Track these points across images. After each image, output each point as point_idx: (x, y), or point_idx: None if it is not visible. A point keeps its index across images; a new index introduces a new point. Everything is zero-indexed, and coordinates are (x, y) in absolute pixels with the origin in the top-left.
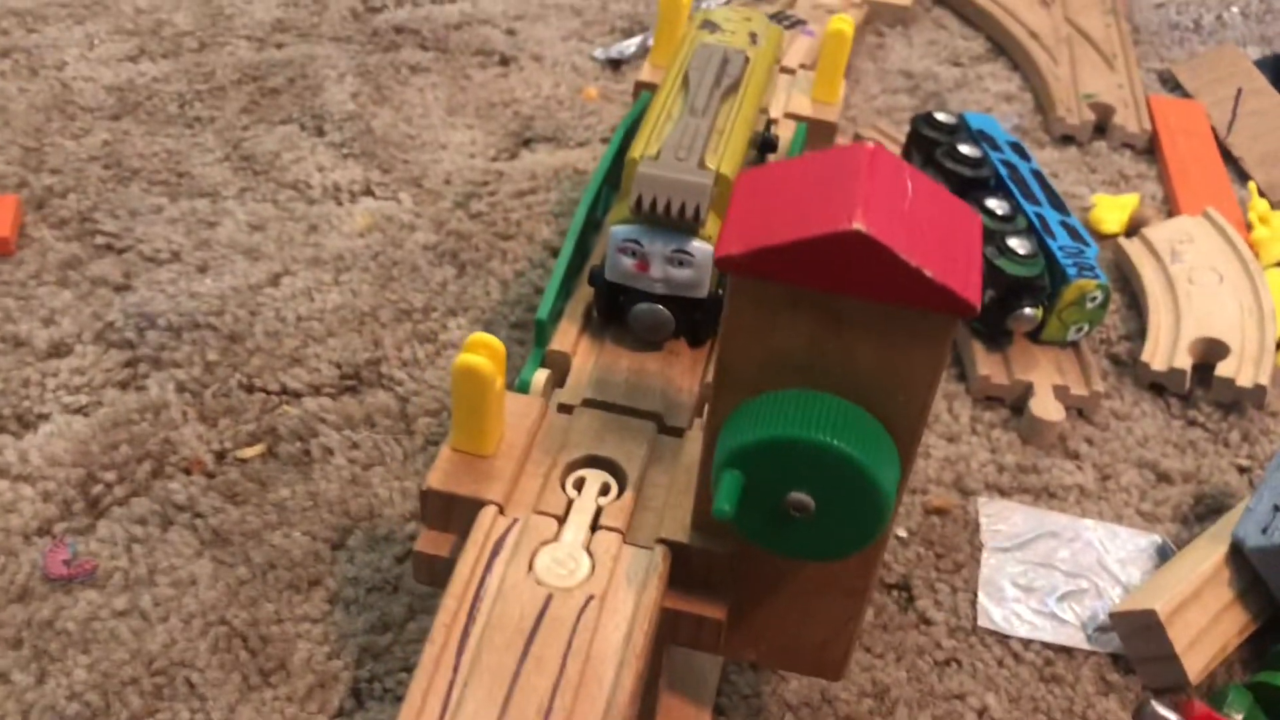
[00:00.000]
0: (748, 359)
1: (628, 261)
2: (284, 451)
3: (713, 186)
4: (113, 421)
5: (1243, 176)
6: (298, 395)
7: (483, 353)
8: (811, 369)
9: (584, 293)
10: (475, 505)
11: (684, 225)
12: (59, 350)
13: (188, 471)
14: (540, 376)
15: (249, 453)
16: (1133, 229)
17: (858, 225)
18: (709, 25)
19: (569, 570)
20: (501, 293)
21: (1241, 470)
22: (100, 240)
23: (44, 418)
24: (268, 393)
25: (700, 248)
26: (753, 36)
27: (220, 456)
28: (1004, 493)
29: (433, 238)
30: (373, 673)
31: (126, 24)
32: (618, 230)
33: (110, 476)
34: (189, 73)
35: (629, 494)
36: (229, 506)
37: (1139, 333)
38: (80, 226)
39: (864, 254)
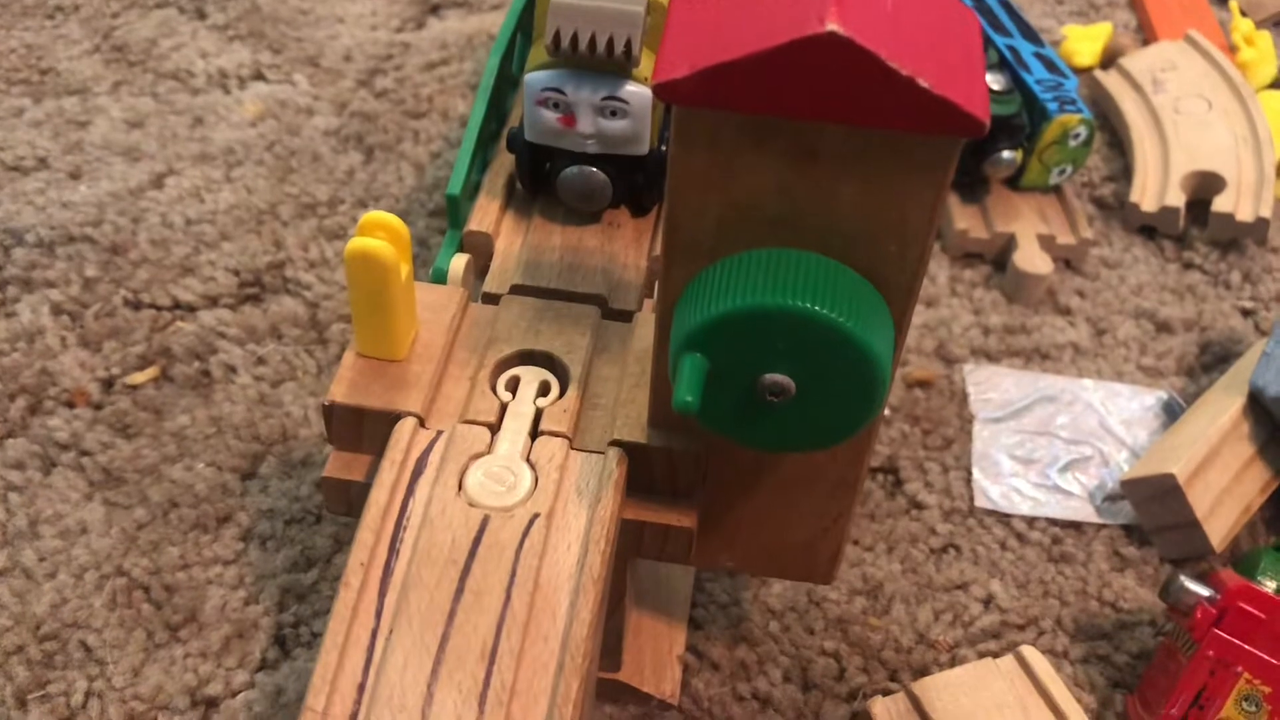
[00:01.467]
0: (702, 216)
1: (550, 115)
2: (180, 374)
3: (645, 15)
4: None
5: None
6: (192, 309)
7: (380, 234)
8: (782, 222)
9: (504, 163)
10: (390, 419)
11: (613, 65)
12: None
13: (70, 405)
14: (459, 262)
15: (140, 378)
16: (1108, 60)
17: (832, 26)
18: None
19: (507, 486)
20: (416, 178)
21: (1245, 313)
22: None
23: None
24: (158, 309)
25: (636, 92)
26: None
27: (107, 385)
28: (991, 357)
29: (334, 121)
30: (298, 616)
31: None
32: (535, 78)
33: None
34: None
35: (573, 392)
36: (120, 441)
37: (1124, 173)
38: None
39: (842, 63)
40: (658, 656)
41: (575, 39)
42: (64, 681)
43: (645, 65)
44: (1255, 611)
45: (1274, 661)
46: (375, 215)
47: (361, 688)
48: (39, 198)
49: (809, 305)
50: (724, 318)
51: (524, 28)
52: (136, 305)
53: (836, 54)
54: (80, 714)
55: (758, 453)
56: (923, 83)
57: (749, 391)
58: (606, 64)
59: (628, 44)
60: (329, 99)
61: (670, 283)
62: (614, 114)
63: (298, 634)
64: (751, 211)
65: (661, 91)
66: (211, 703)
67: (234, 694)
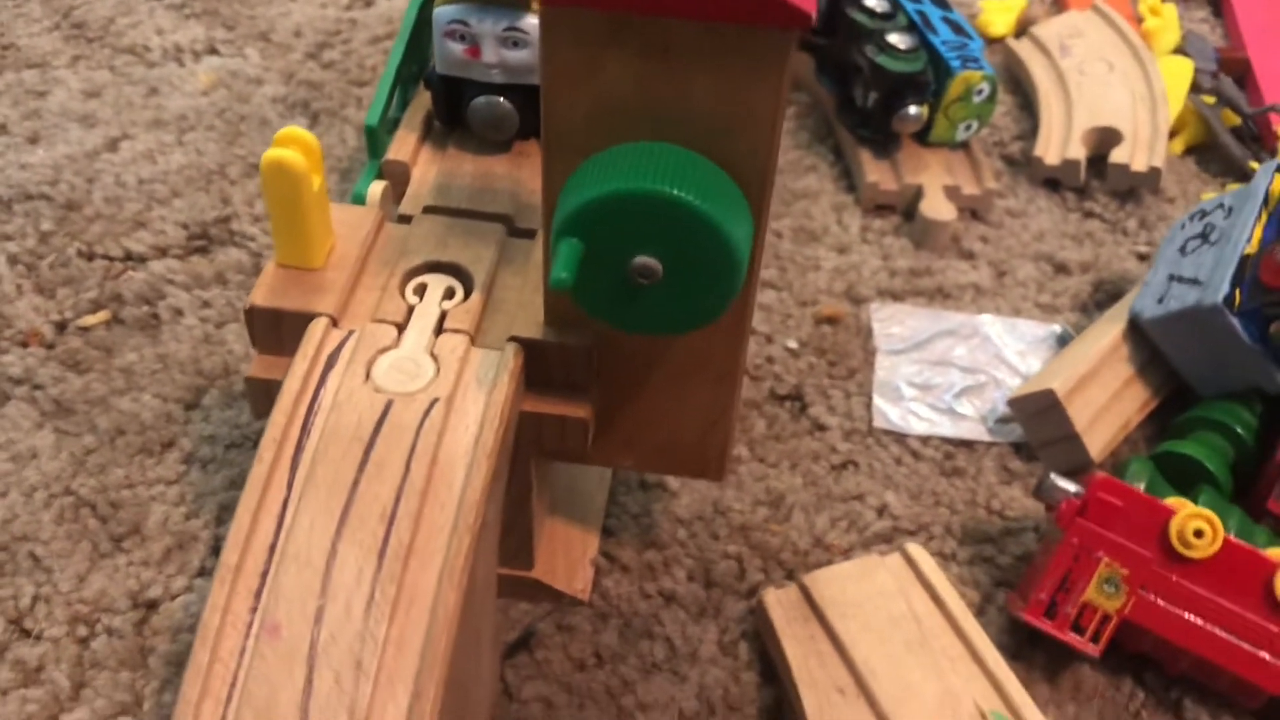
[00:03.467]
0: (574, 111)
1: (457, 48)
2: (129, 316)
3: None
4: None
5: None
6: (143, 260)
7: (294, 148)
8: (644, 116)
9: (423, 101)
10: (306, 319)
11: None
12: None
13: (24, 345)
14: (376, 188)
15: (91, 320)
16: (1021, 30)
17: None
18: None
19: (410, 375)
20: (358, 139)
21: (1140, 257)
22: None
23: None
24: (110, 259)
25: (535, 24)
26: None
27: (61, 327)
28: (897, 297)
29: (282, 89)
30: None
31: None
32: (441, 11)
33: None
34: None
35: (476, 296)
36: (71, 375)
37: (1032, 132)
38: None
39: None
40: (570, 559)
41: None
42: (12, 587)
43: None
44: (1115, 501)
45: (1131, 546)
46: (289, 130)
47: (272, 548)
48: None
49: (668, 189)
50: (593, 202)
51: None
52: (90, 256)
53: None
54: (28, 616)
55: (644, 347)
56: None
57: (622, 275)
58: None
59: None
60: (278, 70)
61: (550, 179)
62: (515, 44)
63: None
64: (617, 107)
65: None
66: (151, 605)
67: (173, 597)
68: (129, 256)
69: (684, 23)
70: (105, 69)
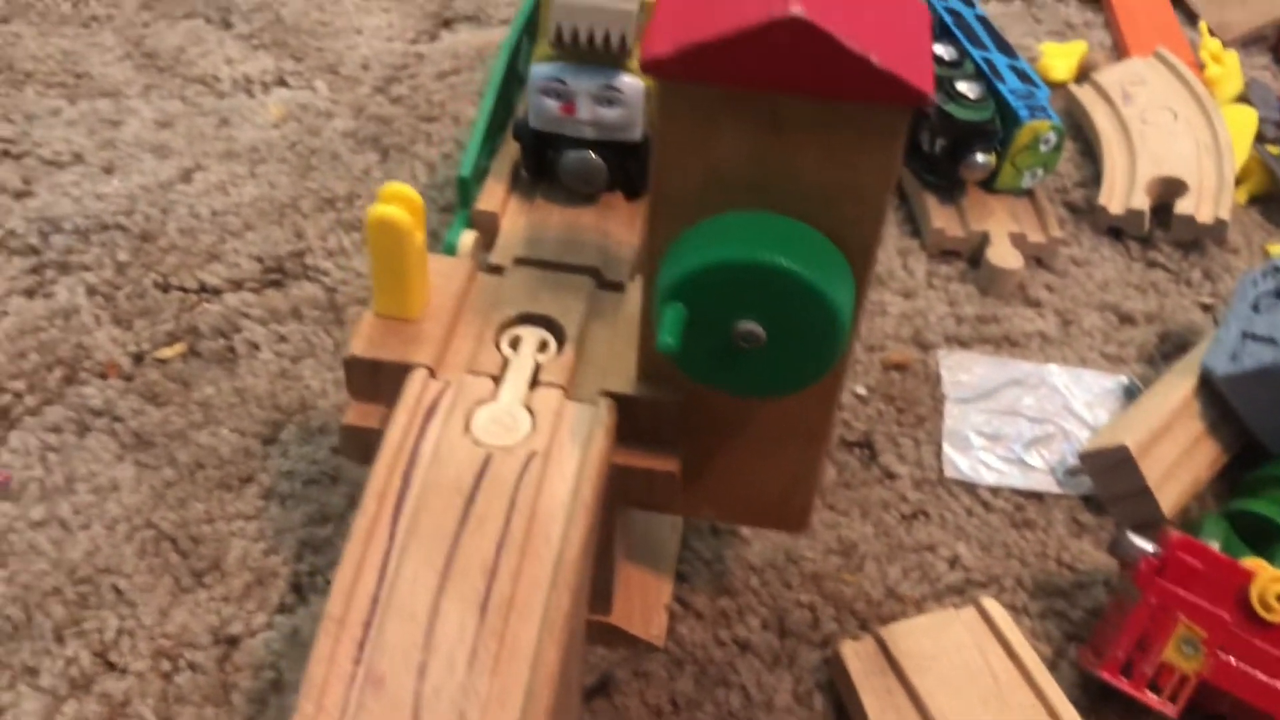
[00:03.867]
0: (685, 179)
1: (552, 104)
2: (206, 349)
3: (638, 12)
4: (19, 330)
5: (1191, 18)
6: (217, 292)
7: (399, 204)
8: (754, 186)
9: (510, 151)
10: (404, 370)
11: (610, 58)
12: None
13: (104, 376)
14: (467, 238)
15: (168, 352)
16: (1082, 75)
17: (795, 11)
18: None
19: (508, 428)
20: (428, 176)
21: (1205, 308)
22: None
23: None
24: (185, 291)
25: (630, 83)
26: None
27: (138, 359)
28: (964, 344)
29: (352, 124)
30: (313, 566)
31: None
32: (539, 69)
33: (20, 386)
34: None
35: (569, 349)
36: (150, 408)
37: (1094, 179)
38: None
39: (803, 43)
40: (646, 604)
41: (575, 34)
42: (98, 619)
43: (638, 58)
44: (1194, 562)
45: (1210, 608)
46: (394, 186)
47: (375, 599)
48: (74, 190)
49: (776, 259)
50: (701, 270)
51: (530, 31)
52: (165, 288)
53: (798, 34)
54: (113, 649)
55: (735, 405)
56: (874, 59)
57: (724, 340)
58: (603, 57)
59: (622, 38)
60: (347, 103)
61: (655, 242)
62: (610, 102)
63: (314, 582)
64: (727, 177)
65: (647, 67)
66: (233, 641)
67: (253, 634)
68: (204, 288)
69: (798, 98)
70: (177, 99)
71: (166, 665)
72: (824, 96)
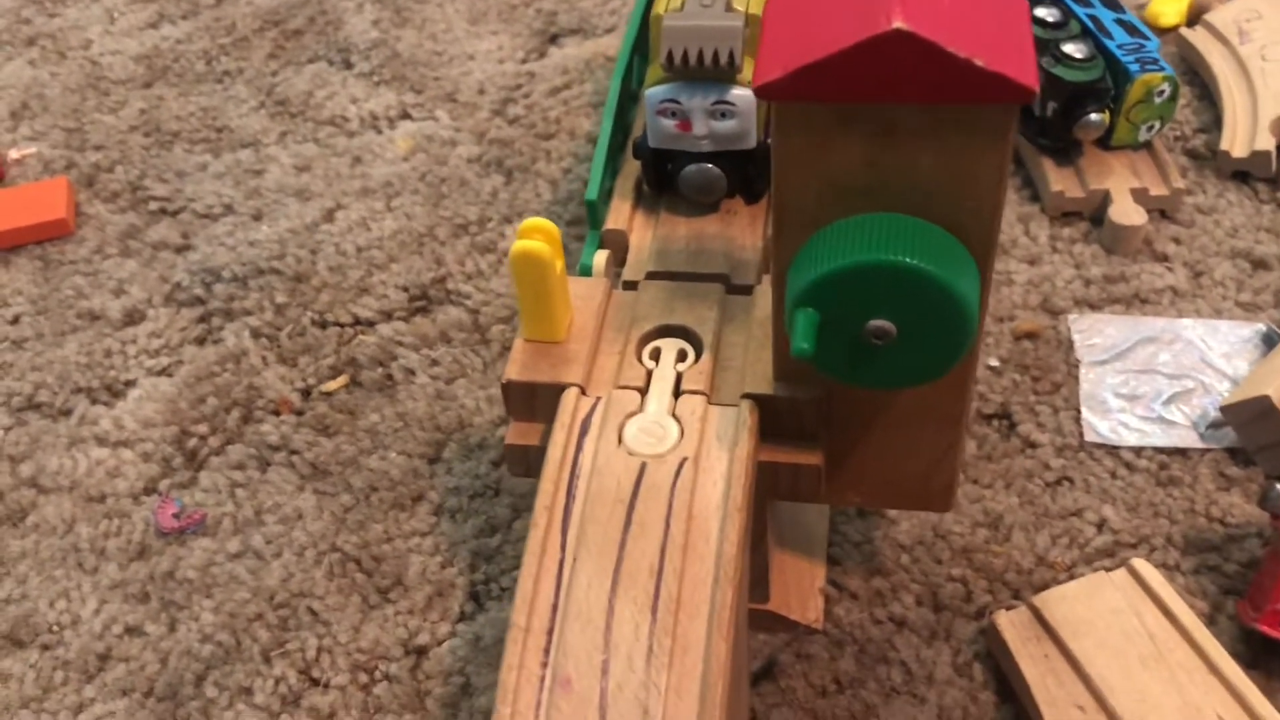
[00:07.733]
0: (805, 191)
1: (668, 123)
2: (367, 379)
3: (744, 28)
4: (196, 376)
5: None
6: (371, 323)
7: (538, 237)
8: (872, 191)
9: (631, 168)
10: (557, 390)
11: (720, 74)
12: (133, 318)
13: (277, 413)
14: (600, 257)
15: (333, 385)
16: (1193, 18)
17: (898, 24)
18: None
19: (658, 438)
20: (552, 192)
21: None
22: (153, 206)
23: (131, 384)
24: (341, 325)
25: (741, 95)
26: None
27: (306, 393)
28: (1094, 306)
29: (475, 149)
30: (487, 575)
31: None
32: (654, 92)
33: (203, 429)
34: (210, 29)
35: (707, 357)
36: (322, 439)
37: (1215, 124)
38: (132, 196)
39: (909, 54)
40: (801, 589)
41: (685, 55)
42: (298, 640)
43: (747, 70)
44: None
45: None
46: (532, 221)
47: (555, 607)
48: (229, 239)
49: (902, 258)
50: (830, 275)
51: (639, 50)
52: (323, 324)
53: (903, 46)
54: (315, 666)
55: (872, 395)
56: (979, 62)
57: (856, 337)
58: (714, 73)
59: (731, 55)
60: (469, 129)
61: (781, 252)
62: (724, 115)
63: (489, 589)
64: (844, 184)
65: (761, 92)
66: (421, 651)
67: (440, 643)
68: (358, 321)
69: (910, 106)
70: (311, 142)
71: (364, 678)
72: (933, 101)
